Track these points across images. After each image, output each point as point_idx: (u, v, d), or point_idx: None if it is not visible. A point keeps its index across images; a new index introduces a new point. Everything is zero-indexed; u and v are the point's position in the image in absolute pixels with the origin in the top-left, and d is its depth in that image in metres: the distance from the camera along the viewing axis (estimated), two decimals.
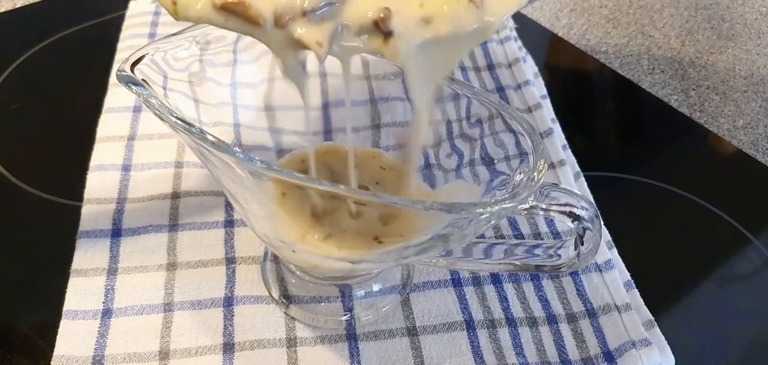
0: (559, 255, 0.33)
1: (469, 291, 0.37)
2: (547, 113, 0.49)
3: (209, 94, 0.34)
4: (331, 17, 0.25)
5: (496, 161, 0.34)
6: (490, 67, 0.53)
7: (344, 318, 0.35)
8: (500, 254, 0.34)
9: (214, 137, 0.26)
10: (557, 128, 0.48)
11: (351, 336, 0.34)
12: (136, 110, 0.45)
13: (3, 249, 0.38)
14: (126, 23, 0.54)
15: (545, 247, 0.34)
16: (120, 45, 0.52)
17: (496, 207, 0.27)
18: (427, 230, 0.30)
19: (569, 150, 0.46)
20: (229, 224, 0.39)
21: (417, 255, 0.31)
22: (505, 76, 0.52)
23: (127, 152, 0.42)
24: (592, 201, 0.36)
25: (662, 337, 0.35)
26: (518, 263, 0.34)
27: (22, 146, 0.45)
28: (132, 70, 0.29)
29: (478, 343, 0.34)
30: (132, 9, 0.55)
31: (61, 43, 0.55)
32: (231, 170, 0.28)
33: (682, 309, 0.39)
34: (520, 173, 0.32)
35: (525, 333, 0.35)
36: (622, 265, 0.39)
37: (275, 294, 0.36)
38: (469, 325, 0.35)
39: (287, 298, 0.35)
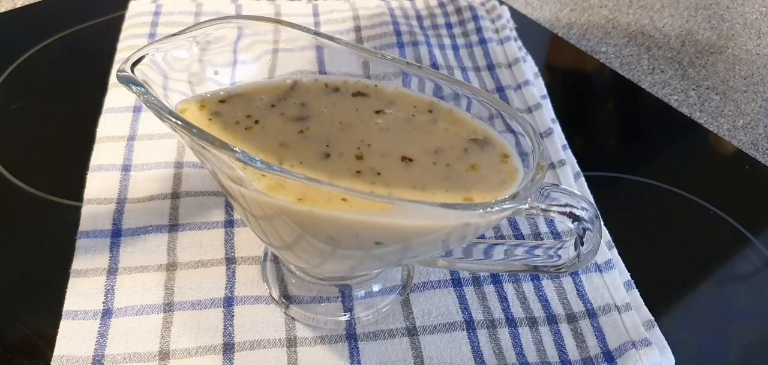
0: (559, 256, 0.33)
1: (469, 291, 0.37)
2: (547, 113, 0.49)
3: None
4: None
5: None
6: (490, 67, 0.53)
7: (344, 318, 0.35)
8: (500, 255, 0.34)
9: (214, 137, 0.26)
10: (557, 128, 0.48)
11: (351, 336, 0.34)
12: (136, 110, 0.45)
13: (3, 249, 0.38)
14: (126, 23, 0.54)
15: (545, 248, 0.34)
16: (120, 45, 0.52)
17: (496, 207, 0.27)
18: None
19: (569, 150, 0.46)
20: (229, 224, 0.39)
21: (417, 255, 0.31)
22: (505, 76, 0.52)
23: (127, 152, 0.42)
24: (592, 202, 0.36)
25: (662, 337, 0.35)
26: (518, 264, 0.34)
27: (22, 146, 0.45)
28: (132, 71, 0.29)
29: (478, 343, 0.34)
30: (132, 9, 0.55)
31: (61, 43, 0.55)
32: (231, 169, 0.28)
33: (682, 309, 0.39)
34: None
35: (525, 333, 0.35)
36: (622, 265, 0.39)
37: (275, 294, 0.36)
38: (469, 325, 0.35)
39: (287, 298, 0.35)
